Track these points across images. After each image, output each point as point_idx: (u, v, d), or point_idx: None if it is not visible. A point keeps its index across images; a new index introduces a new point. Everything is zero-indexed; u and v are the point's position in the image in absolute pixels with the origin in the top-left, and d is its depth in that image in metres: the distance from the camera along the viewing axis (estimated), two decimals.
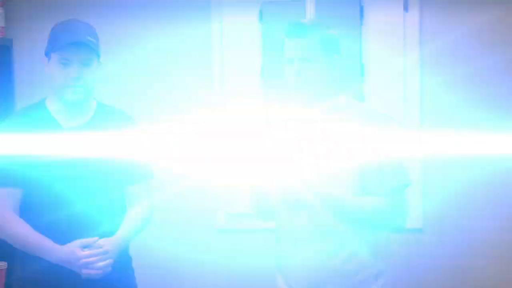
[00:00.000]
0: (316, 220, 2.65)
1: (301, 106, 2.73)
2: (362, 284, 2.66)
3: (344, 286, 2.65)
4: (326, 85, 2.67)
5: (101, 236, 2.71)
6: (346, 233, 2.64)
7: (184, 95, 4.06)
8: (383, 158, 2.59)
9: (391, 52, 3.85)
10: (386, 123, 2.66)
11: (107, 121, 2.82)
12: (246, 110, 3.95)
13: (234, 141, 3.94)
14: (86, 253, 2.63)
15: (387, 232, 2.72)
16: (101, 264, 2.65)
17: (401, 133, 2.67)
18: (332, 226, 2.63)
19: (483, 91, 3.84)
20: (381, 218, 2.62)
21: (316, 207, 2.65)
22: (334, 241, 2.64)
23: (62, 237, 2.68)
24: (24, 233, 2.68)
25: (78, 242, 2.63)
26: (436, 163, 3.87)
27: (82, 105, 2.78)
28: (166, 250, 4.06)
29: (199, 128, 4.02)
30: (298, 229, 2.69)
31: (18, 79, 4.07)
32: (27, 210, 2.73)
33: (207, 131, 4.00)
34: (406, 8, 3.84)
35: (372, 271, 2.67)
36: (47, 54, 2.72)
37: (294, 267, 2.72)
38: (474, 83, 3.86)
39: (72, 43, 2.66)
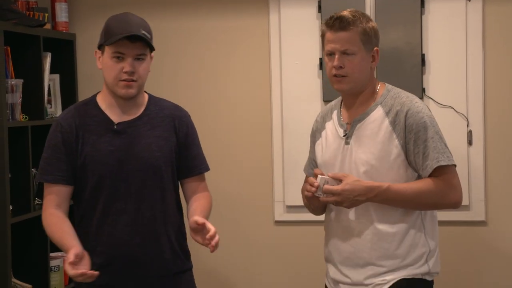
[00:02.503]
0: (364, 209, 2.69)
1: (343, 96, 2.79)
2: (414, 264, 2.69)
3: (395, 267, 2.68)
4: (366, 76, 2.70)
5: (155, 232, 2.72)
6: (395, 218, 2.68)
7: (242, 89, 4.04)
8: (428, 142, 2.63)
9: (453, 42, 3.77)
10: (425, 109, 2.69)
11: (158, 115, 2.78)
12: (304, 103, 3.92)
13: (291, 135, 3.96)
14: None
15: (433, 212, 2.76)
16: None
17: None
18: (381, 214, 2.67)
19: None
20: (436, 198, 2.65)
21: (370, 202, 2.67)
22: (383, 227, 2.68)
23: (112, 226, 2.70)
24: (55, 232, 2.68)
25: None
26: (500, 154, 3.79)
27: (134, 99, 2.74)
28: (225, 241, 3.98)
29: (256, 121, 4.02)
30: (347, 219, 2.73)
31: (80, 72, 4.09)
32: (86, 202, 2.72)
33: (264, 126, 3.99)
34: None
35: (423, 250, 2.69)
36: (101, 47, 2.70)
37: (342, 253, 2.75)
38: None
39: (127, 36, 2.63)
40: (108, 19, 2.72)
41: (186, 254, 2.84)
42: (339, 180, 2.62)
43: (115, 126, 2.71)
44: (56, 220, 2.67)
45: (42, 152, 2.77)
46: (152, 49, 2.71)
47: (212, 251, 2.58)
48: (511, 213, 3.76)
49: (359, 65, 2.65)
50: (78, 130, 2.70)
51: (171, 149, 2.76)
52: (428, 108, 2.71)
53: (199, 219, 2.56)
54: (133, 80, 2.66)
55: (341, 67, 2.64)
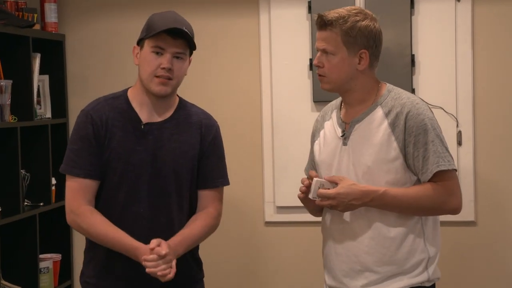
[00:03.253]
0: (362, 213, 2.63)
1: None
2: (413, 271, 2.62)
3: (393, 274, 2.62)
4: (347, 77, 2.62)
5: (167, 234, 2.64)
6: (394, 222, 2.62)
7: (232, 89, 4.03)
8: (429, 145, 2.58)
9: (443, 43, 3.76)
10: (426, 110, 2.62)
11: (187, 120, 2.72)
12: (294, 103, 3.90)
13: (282, 136, 3.93)
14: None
15: (436, 218, 2.70)
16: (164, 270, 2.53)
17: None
18: (379, 217, 2.61)
19: None
20: (435, 204, 2.60)
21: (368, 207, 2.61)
22: (381, 231, 2.62)
23: (129, 230, 2.60)
24: (107, 233, 2.59)
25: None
26: (489, 155, 3.78)
27: (166, 100, 2.67)
28: (216, 242, 3.93)
29: (246, 122, 3.99)
30: (343, 222, 2.67)
31: (70, 73, 4.07)
32: (102, 201, 2.64)
33: (254, 126, 3.96)
34: None
35: (422, 256, 2.63)
36: (140, 42, 2.63)
37: (339, 258, 2.69)
38: None
39: (169, 31, 2.56)
40: (153, 15, 2.66)
41: (199, 263, 2.80)
42: (335, 183, 2.57)
43: (142, 126, 2.64)
44: (102, 220, 2.59)
45: (68, 143, 2.69)
46: (192, 50, 2.66)
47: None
48: (500, 214, 3.76)
49: (337, 66, 2.58)
50: (108, 123, 2.62)
51: (194, 157, 2.69)
52: (431, 109, 2.64)
53: (158, 249, 2.52)
54: (169, 78, 2.59)
55: (319, 66, 2.60)
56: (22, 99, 3.68)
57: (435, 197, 2.56)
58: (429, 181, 2.56)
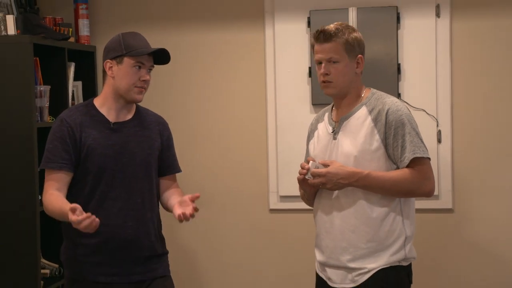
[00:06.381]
0: (349, 195, 2.68)
1: (333, 99, 2.80)
2: (392, 248, 2.66)
3: (375, 250, 2.66)
4: (350, 80, 2.71)
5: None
6: (377, 202, 2.66)
7: (241, 94, 4.04)
8: (406, 136, 2.63)
9: (424, 53, 3.77)
10: (404, 108, 2.69)
11: (146, 119, 2.88)
12: (295, 105, 3.90)
13: (284, 134, 3.94)
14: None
15: (413, 201, 2.75)
16: None
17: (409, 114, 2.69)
18: (364, 196, 2.66)
19: (510, 91, 3.73)
20: (412, 186, 2.63)
21: (353, 187, 2.66)
22: (365, 211, 2.66)
23: (109, 210, 2.72)
24: (58, 205, 2.62)
25: None
26: (465, 151, 3.78)
27: (130, 105, 2.83)
28: (225, 227, 4.08)
29: (253, 122, 4.01)
30: (332, 203, 2.72)
31: (100, 79, 4.01)
32: (86, 190, 2.75)
33: (260, 126, 3.98)
34: (438, 14, 3.75)
35: (401, 235, 2.67)
36: (116, 58, 2.74)
37: (328, 236, 2.73)
38: (500, 81, 3.72)
39: (151, 52, 2.74)
40: (123, 35, 2.78)
41: (163, 240, 2.92)
42: (327, 166, 2.65)
43: (112, 125, 2.77)
44: (55, 197, 2.67)
45: (46, 146, 2.78)
46: (156, 63, 2.81)
47: (190, 215, 2.62)
48: (475, 202, 3.78)
49: (343, 71, 2.66)
50: (81, 126, 2.74)
51: (157, 149, 2.86)
52: (407, 108, 2.72)
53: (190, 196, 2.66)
54: (144, 88, 2.77)
55: (327, 74, 2.67)
56: (59, 102, 3.72)
57: (411, 180, 2.61)
58: (407, 167, 2.62)
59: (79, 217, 2.45)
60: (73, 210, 2.46)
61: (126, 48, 2.72)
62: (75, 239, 2.75)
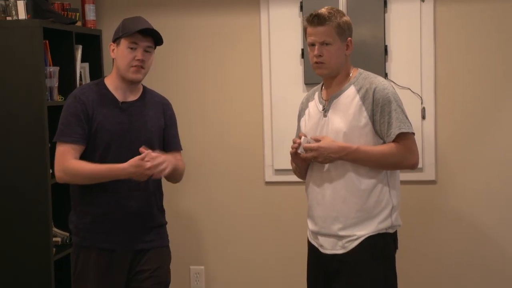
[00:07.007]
0: (338, 168, 2.68)
1: (323, 79, 2.79)
2: (379, 216, 2.68)
3: (363, 219, 2.67)
4: (341, 62, 2.72)
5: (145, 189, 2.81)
6: (365, 174, 2.67)
7: (237, 75, 4.04)
8: (392, 113, 2.63)
9: (410, 35, 3.80)
10: (390, 87, 2.70)
11: (151, 100, 2.92)
12: (289, 85, 3.92)
13: (279, 111, 3.94)
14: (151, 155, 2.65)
15: (398, 173, 2.76)
16: (163, 165, 2.66)
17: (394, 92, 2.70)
18: (353, 169, 2.66)
19: (489, 71, 3.76)
20: (397, 159, 2.65)
21: (343, 160, 2.67)
22: (354, 183, 2.66)
23: (115, 184, 2.74)
24: (93, 167, 2.71)
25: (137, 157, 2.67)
26: (447, 127, 3.82)
27: (136, 85, 2.86)
28: (223, 200, 4.10)
29: (249, 101, 4.02)
30: (323, 176, 2.72)
31: (106, 61, 4.07)
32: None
33: (256, 104, 4.00)
34: None
35: (388, 205, 2.69)
36: (116, 40, 2.82)
37: (319, 207, 2.73)
38: (482, 61, 3.76)
39: (141, 30, 2.76)
40: (124, 20, 2.84)
41: (164, 211, 2.97)
42: (318, 141, 2.67)
43: (120, 104, 2.82)
44: (84, 163, 2.71)
45: (59, 121, 2.83)
46: (157, 44, 2.82)
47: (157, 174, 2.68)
48: (455, 174, 3.82)
49: (335, 53, 2.68)
50: (93, 103, 2.79)
51: (161, 127, 2.90)
52: (393, 86, 2.74)
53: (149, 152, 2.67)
54: (142, 67, 2.78)
55: (320, 55, 2.68)
56: (67, 82, 3.73)
57: (397, 153, 2.64)
58: (393, 142, 2.65)
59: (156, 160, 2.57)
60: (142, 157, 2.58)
61: (123, 30, 2.78)
62: (82, 208, 2.82)
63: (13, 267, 3.51)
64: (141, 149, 2.67)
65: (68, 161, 2.74)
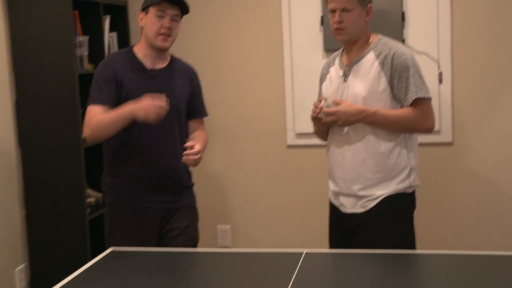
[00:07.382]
0: (358, 131, 2.69)
1: (344, 45, 2.80)
2: (398, 177, 2.69)
3: (382, 180, 2.68)
4: (361, 28, 2.71)
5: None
6: (384, 137, 2.68)
7: (259, 43, 4.06)
8: (410, 79, 2.64)
9: (427, 1, 3.80)
10: (408, 52, 2.69)
11: (179, 68, 2.94)
12: (309, 51, 3.95)
13: (299, 77, 3.97)
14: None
15: (416, 136, 2.77)
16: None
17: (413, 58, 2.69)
18: (371, 131, 2.67)
19: (505, 34, 3.75)
20: (414, 123, 2.66)
21: (362, 123, 2.69)
22: (374, 146, 2.67)
23: (145, 147, 2.80)
24: (113, 112, 2.73)
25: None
26: (464, 90, 3.84)
27: (164, 53, 2.87)
28: (248, 163, 4.16)
29: (271, 68, 4.04)
30: (343, 139, 2.74)
31: (132, 30, 4.15)
32: (122, 132, 2.78)
33: (277, 70, 4.02)
34: None
35: (406, 166, 2.70)
36: (144, 9, 2.84)
37: (340, 168, 2.75)
38: (499, 25, 3.75)
39: None
40: None
41: (190, 174, 3.01)
42: (338, 104, 2.67)
43: (149, 71, 2.84)
44: (106, 114, 2.72)
45: (90, 88, 2.83)
46: (184, 13, 2.84)
47: (191, 164, 2.74)
48: (471, 136, 3.85)
49: (356, 20, 2.66)
50: (123, 70, 2.80)
51: (187, 95, 2.92)
52: (411, 52, 2.70)
53: (192, 143, 2.74)
54: (169, 35, 2.80)
55: (341, 22, 2.66)
56: (97, 51, 3.80)
57: (414, 117, 2.64)
58: (410, 106, 2.65)
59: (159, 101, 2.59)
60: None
61: (152, 0, 2.79)
62: (115, 170, 2.87)
63: (51, 227, 3.63)
64: (187, 144, 2.72)
65: (94, 116, 2.75)
